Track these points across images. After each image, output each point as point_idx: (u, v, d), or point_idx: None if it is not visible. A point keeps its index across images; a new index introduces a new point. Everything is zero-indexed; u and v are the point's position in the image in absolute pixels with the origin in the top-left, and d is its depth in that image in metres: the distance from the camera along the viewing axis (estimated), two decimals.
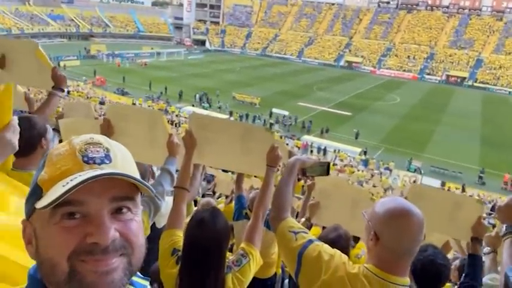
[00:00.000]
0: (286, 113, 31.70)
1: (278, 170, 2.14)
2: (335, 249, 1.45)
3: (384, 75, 61.74)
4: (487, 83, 57.42)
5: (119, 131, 2.40)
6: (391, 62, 66.27)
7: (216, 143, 2.25)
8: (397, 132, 30.88)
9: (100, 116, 9.34)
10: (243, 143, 2.20)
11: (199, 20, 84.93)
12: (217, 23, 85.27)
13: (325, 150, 25.31)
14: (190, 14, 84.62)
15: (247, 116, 30.81)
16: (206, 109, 32.29)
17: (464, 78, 59.32)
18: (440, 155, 26.08)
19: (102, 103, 27.94)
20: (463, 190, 20.22)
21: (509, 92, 54.49)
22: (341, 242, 2.26)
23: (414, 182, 20.83)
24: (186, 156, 2.19)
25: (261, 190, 2.03)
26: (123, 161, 0.72)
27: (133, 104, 29.63)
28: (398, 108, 38.80)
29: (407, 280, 1.29)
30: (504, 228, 1.73)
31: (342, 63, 68.21)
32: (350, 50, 71.40)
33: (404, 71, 63.57)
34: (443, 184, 21.26)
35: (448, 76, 60.11)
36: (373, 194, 12.96)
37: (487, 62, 61.85)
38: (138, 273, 0.81)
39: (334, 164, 21.69)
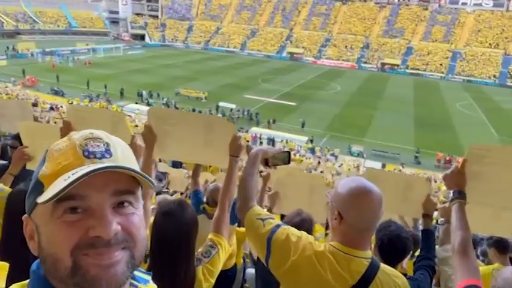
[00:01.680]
0: (233, 106, 31.75)
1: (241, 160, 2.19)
2: (301, 231, 1.52)
3: (325, 65, 63.91)
4: (418, 69, 61.72)
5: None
6: (330, 52, 68.74)
7: (177, 136, 2.23)
8: (340, 119, 32.26)
9: (40, 117, 8.75)
10: (205, 134, 2.20)
11: (137, 14, 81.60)
12: (156, 16, 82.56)
13: (273, 141, 25.79)
14: (127, 7, 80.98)
15: (193, 111, 30.36)
16: (151, 106, 31.32)
17: (397, 65, 63.23)
18: (380, 139, 27.72)
19: (35, 105, 25.97)
20: (402, 169, 21.72)
21: (441, 76, 59.07)
22: (305, 225, 2.33)
23: (357, 166, 22.01)
24: (147, 152, 2.13)
25: (225, 180, 2.04)
26: (123, 156, 0.72)
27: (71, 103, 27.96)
28: (340, 97, 40.46)
29: (369, 252, 1.40)
30: (451, 194, 1.88)
31: (284, 54, 69.47)
32: (291, 42, 72.90)
33: (343, 60, 66.26)
34: (383, 166, 22.66)
35: (382, 64, 63.69)
36: (326, 179, 13.53)
37: (417, 49, 66.37)
38: (140, 268, 0.81)
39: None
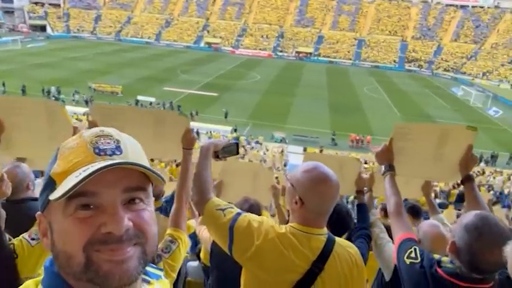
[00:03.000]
0: (152, 99, 30.66)
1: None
2: (262, 216, 1.61)
3: (243, 54, 64.57)
4: (329, 57, 65.65)
5: (10, 127, 2.10)
6: (248, 42, 69.63)
7: (126, 132, 2.15)
8: (261, 107, 33.12)
9: None
10: (156, 129, 2.16)
11: (35, 3, 73.34)
12: (57, 5, 75.00)
13: (198, 133, 25.57)
14: None
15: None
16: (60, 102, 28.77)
17: (310, 53, 66.54)
18: (300, 124, 29.14)
19: None
20: (321, 152, 23.17)
21: (352, 63, 63.48)
22: (254, 211, 2.39)
23: (282, 151, 22.90)
24: None
25: (181, 174, 2.02)
26: (134, 152, 0.73)
27: None
28: (260, 85, 41.41)
29: (325, 229, 1.54)
30: (383, 168, 2.20)
31: (202, 44, 68.58)
32: (208, 31, 72.14)
33: (260, 49, 67.62)
34: (305, 149, 23.94)
35: (297, 52, 66.46)
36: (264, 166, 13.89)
37: (327, 37, 70.39)
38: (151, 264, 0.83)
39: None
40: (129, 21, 74.10)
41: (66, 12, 73.87)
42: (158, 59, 52.27)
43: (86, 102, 29.25)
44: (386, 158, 2.18)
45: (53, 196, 0.66)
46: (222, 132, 26.26)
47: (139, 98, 30.45)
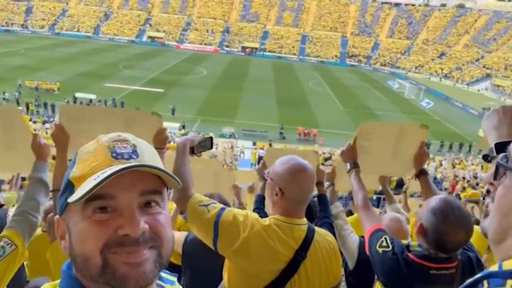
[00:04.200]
0: (93, 96, 29.12)
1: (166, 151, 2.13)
2: (245, 210, 1.68)
3: (188, 49, 63.46)
4: (274, 52, 66.65)
5: None
6: (193, 36, 68.50)
7: (93, 134, 2.05)
8: (209, 103, 32.85)
9: None
10: (127, 129, 2.09)
11: None
12: None
13: None
14: None
15: (45, 105, 26.86)
16: None
17: (256, 48, 67.07)
18: (248, 119, 29.38)
19: None
20: (270, 146, 23.58)
21: (296, 58, 64.84)
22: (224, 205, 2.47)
23: (231, 147, 22.96)
24: (60, 154, 1.93)
25: None
26: (150, 156, 0.75)
27: None
28: (207, 81, 41.04)
29: (305, 219, 1.65)
30: (348, 165, 2.30)
31: (144, 38, 66.28)
32: (151, 25, 69.87)
33: (205, 44, 66.88)
34: (254, 144, 24.23)
35: (243, 47, 66.65)
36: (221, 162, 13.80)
37: (272, 33, 71.36)
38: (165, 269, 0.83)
39: (168, 142, 21.66)
40: (64, 14, 69.56)
41: None
42: (98, 53, 49.74)
43: (17, 101, 27.07)
44: (351, 156, 2.32)
45: (71, 199, 0.68)
46: (170, 129, 25.68)
47: (78, 95, 28.81)
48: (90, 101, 28.42)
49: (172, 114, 28.38)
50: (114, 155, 0.71)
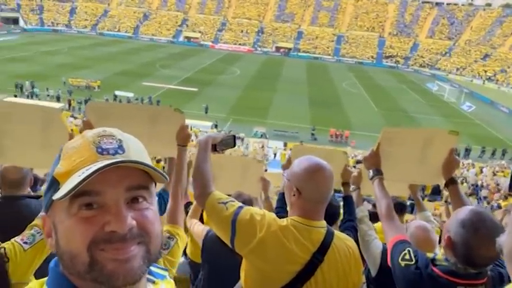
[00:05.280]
0: (131, 94, 30.14)
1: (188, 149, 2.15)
2: (263, 210, 1.66)
3: (223, 49, 64.20)
4: (308, 52, 66.05)
5: (1, 134, 2.04)
6: (227, 37, 69.22)
7: (121, 130, 2.11)
8: (242, 102, 33.08)
9: None
10: (151, 126, 2.13)
11: None
12: None
13: None
14: None
15: (86, 101, 28.02)
16: (33, 98, 28.00)
17: (290, 48, 66.77)
18: (280, 119, 29.30)
19: None
20: None
21: (330, 59, 64.01)
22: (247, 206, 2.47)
23: (262, 146, 23.01)
24: None
25: (176, 171, 2.02)
26: (136, 152, 0.73)
27: None
28: (240, 80, 41.33)
29: (324, 222, 1.60)
30: (371, 172, 2.21)
31: (181, 39, 67.74)
32: (187, 26, 71.29)
33: (240, 44, 67.37)
34: (285, 144, 24.12)
35: (277, 48, 66.55)
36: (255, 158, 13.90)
37: (306, 33, 70.76)
38: (156, 264, 0.83)
39: (191, 140, 22.08)
40: (106, 15, 72.39)
41: (41, 4, 71.42)
42: (136, 53, 51.37)
43: (58, 98, 28.48)
44: (374, 162, 2.22)
45: (56, 196, 0.66)
46: (202, 128, 26.10)
47: (117, 93, 29.90)
48: (128, 99, 29.44)
49: (206, 112, 28.83)
50: (100, 150, 0.69)
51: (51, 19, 69.05)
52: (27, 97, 28.68)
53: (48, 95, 29.00)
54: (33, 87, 29.94)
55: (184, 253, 3.47)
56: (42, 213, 0.75)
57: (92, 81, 33.07)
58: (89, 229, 0.66)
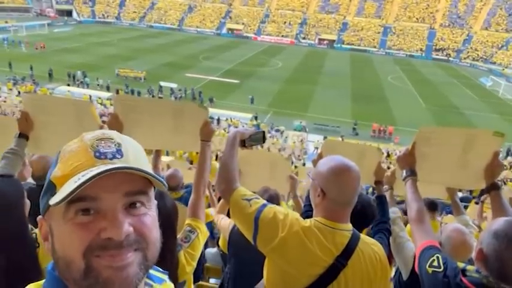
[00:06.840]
0: (174, 85, 30.97)
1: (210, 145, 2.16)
2: (287, 209, 1.61)
3: (265, 41, 64.05)
4: (353, 44, 64.24)
5: (39, 125, 2.16)
6: (270, 28, 68.89)
7: (145, 124, 2.17)
8: (283, 95, 32.90)
9: None
10: (175, 120, 2.17)
11: None
12: None
13: (218, 120, 25.72)
14: None
15: (132, 91, 29.18)
16: (83, 87, 29.55)
17: (334, 40, 65.26)
18: (321, 113, 28.84)
19: None
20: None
21: (375, 51, 61.94)
22: (274, 202, 2.36)
23: (301, 140, 22.80)
24: None
25: (198, 166, 2.03)
26: (135, 156, 0.71)
27: None
28: (281, 73, 41.07)
29: (350, 225, 1.53)
30: (404, 172, 2.10)
31: (224, 31, 68.36)
32: (231, 18, 71.75)
33: (282, 36, 66.85)
34: (325, 138, 23.72)
35: (320, 39, 65.32)
36: (282, 155, 13.84)
37: (351, 25, 68.77)
38: (156, 267, 0.82)
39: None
40: (153, 7, 74.51)
41: None
42: (181, 45, 52.53)
43: (107, 87, 29.88)
44: (408, 162, 2.12)
45: (52, 201, 0.65)
46: (242, 120, 26.29)
47: (162, 83, 30.81)
48: (171, 89, 30.27)
49: (251, 103, 29.13)
50: (97, 154, 0.68)
51: (102, 11, 72.22)
52: (78, 86, 30.33)
53: (98, 85, 30.47)
54: (84, 76, 31.63)
55: (218, 244, 3.52)
56: (39, 216, 0.73)
57: (138, 72, 34.32)
58: (84, 235, 0.65)
